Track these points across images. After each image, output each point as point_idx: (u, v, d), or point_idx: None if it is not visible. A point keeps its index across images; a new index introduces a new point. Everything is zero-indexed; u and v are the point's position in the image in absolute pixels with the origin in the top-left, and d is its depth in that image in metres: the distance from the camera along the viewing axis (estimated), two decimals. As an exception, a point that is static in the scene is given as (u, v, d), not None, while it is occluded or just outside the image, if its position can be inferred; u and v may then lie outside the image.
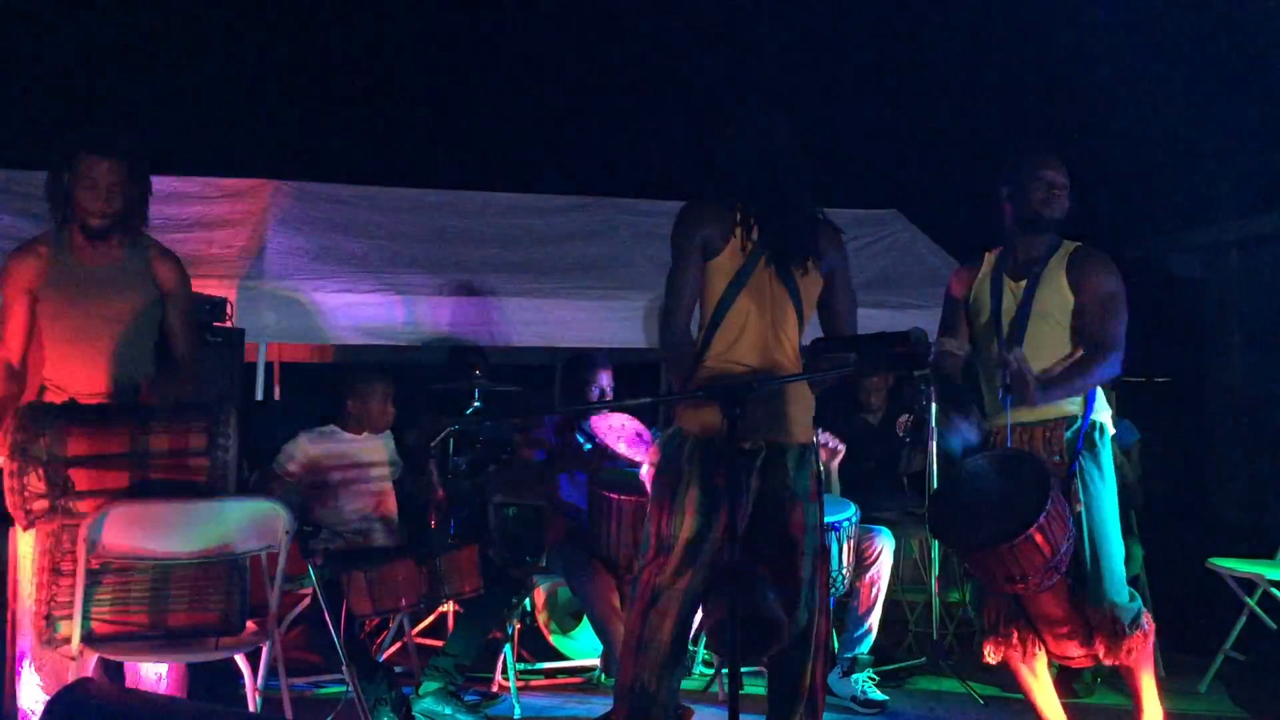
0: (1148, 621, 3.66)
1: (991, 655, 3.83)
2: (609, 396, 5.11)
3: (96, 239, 3.62)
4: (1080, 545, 3.58)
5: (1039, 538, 3.35)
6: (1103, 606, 3.59)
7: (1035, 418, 3.71)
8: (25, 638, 3.46)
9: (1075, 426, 3.68)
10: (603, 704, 4.68)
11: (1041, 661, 3.83)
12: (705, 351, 3.40)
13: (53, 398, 3.55)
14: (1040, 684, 3.88)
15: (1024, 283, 3.77)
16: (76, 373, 3.60)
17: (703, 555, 3.28)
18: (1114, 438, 3.81)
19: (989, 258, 3.94)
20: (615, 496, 4.51)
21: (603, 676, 5.05)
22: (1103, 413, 3.76)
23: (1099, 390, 3.76)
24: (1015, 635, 3.77)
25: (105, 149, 3.54)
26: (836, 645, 5.01)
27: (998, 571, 3.44)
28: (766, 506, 3.36)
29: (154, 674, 3.59)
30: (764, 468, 3.35)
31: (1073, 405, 3.69)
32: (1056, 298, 3.72)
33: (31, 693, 3.45)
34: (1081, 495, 3.62)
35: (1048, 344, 3.69)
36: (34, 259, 3.62)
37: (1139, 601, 3.68)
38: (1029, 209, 3.76)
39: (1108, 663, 3.67)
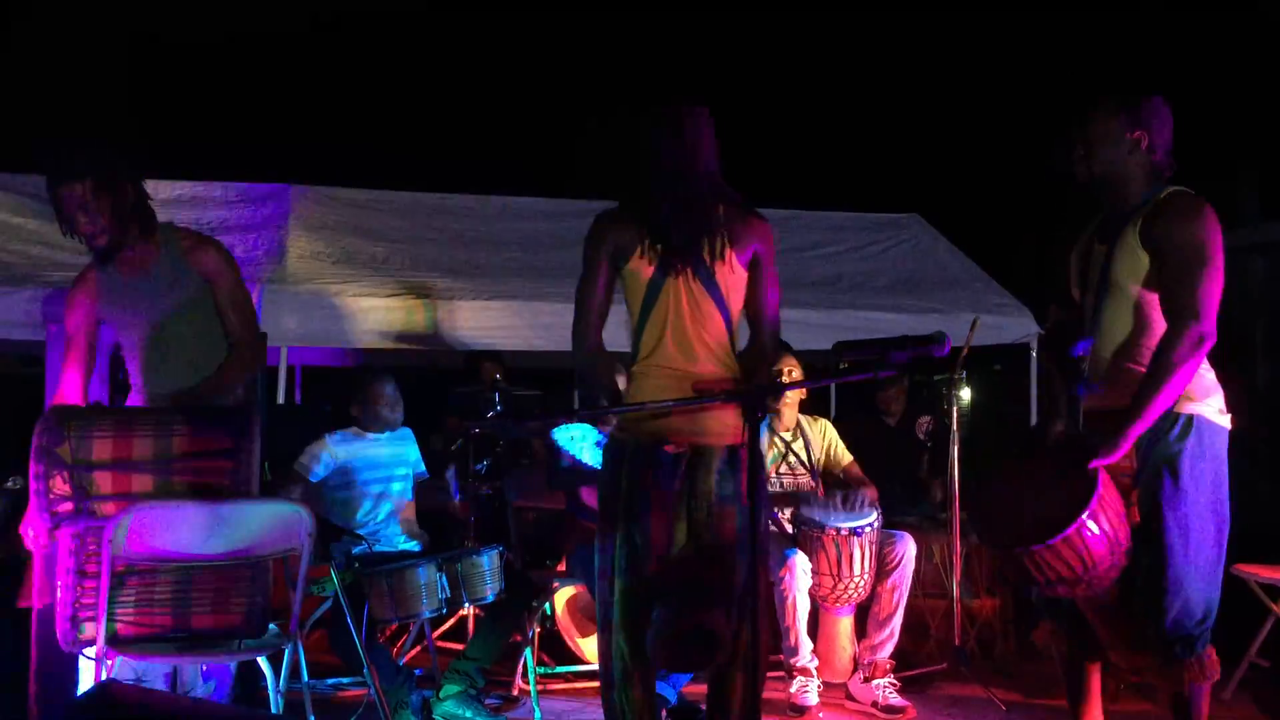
0: (1210, 657, 3.23)
1: (1043, 640, 3.66)
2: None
3: (111, 254, 3.72)
4: (1150, 558, 3.17)
5: (1080, 538, 3.02)
6: (1142, 615, 3.20)
7: (1110, 404, 3.23)
8: None
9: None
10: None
11: (1095, 667, 3.52)
12: (634, 359, 3.39)
13: (137, 399, 3.78)
14: (1089, 692, 3.54)
15: (1106, 247, 3.31)
16: (150, 375, 3.79)
17: (642, 564, 3.20)
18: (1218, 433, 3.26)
19: (1093, 222, 3.49)
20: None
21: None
22: (1190, 402, 3.20)
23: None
24: (1071, 623, 3.45)
25: (65, 175, 3.60)
26: (856, 650, 5.00)
27: (1038, 575, 3.13)
28: (695, 512, 3.26)
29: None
30: (689, 472, 3.25)
31: None
32: (1127, 263, 3.24)
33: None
34: (1154, 502, 3.17)
35: (1119, 323, 3.26)
36: (87, 285, 3.81)
37: (1208, 634, 3.23)
38: (1075, 174, 3.38)
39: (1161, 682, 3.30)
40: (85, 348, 3.80)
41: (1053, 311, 3.54)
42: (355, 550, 4.63)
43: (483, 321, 6.22)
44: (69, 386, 3.76)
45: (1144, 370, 3.19)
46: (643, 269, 3.32)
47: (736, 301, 3.37)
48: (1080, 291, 3.44)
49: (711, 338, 3.34)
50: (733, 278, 3.33)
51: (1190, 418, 3.19)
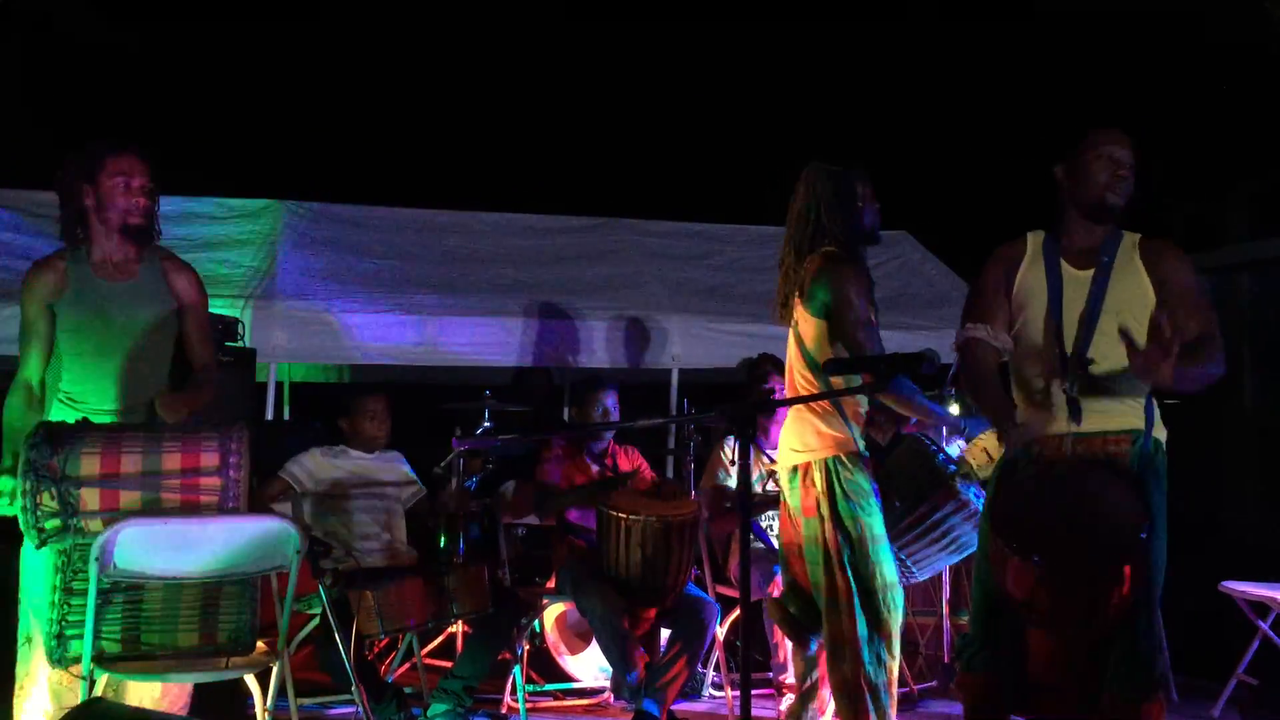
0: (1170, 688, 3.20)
1: (963, 697, 3.42)
2: (613, 417, 5.14)
3: (137, 240, 3.68)
4: (1151, 584, 3.15)
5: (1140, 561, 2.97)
6: (1144, 653, 3.13)
7: (1096, 428, 3.24)
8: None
9: (1138, 443, 3.23)
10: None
11: None
12: None
13: (68, 413, 3.58)
14: None
15: (1090, 272, 3.30)
16: (94, 388, 3.63)
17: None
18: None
19: (1032, 240, 3.44)
20: (621, 516, 4.51)
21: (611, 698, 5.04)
22: (1161, 429, 3.31)
23: (1155, 403, 3.30)
24: (1000, 685, 3.30)
25: (129, 147, 3.64)
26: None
27: (1078, 602, 3.01)
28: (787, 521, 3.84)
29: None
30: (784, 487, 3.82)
31: (1136, 417, 3.26)
32: (1136, 293, 3.26)
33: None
34: (1152, 524, 3.11)
35: (1120, 345, 3.14)
36: (52, 274, 3.66)
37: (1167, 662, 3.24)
38: (1093, 192, 3.29)
39: None
40: (48, 339, 3.65)
41: (978, 328, 3.36)
42: (343, 566, 4.61)
43: (472, 337, 6.23)
44: (34, 376, 3.63)
45: (1128, 394, 3.25)
46: None
47: (813, 344, 3.72)
48: (1044, 312, 3.35)
49: (798, 373, 3.81)
50: (805, 324, 3.74)
51: (1159, 441, 3.29)
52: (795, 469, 3.74)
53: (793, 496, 3.76)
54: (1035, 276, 3.39)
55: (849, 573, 3.57)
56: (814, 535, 3.65)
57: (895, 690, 3.64)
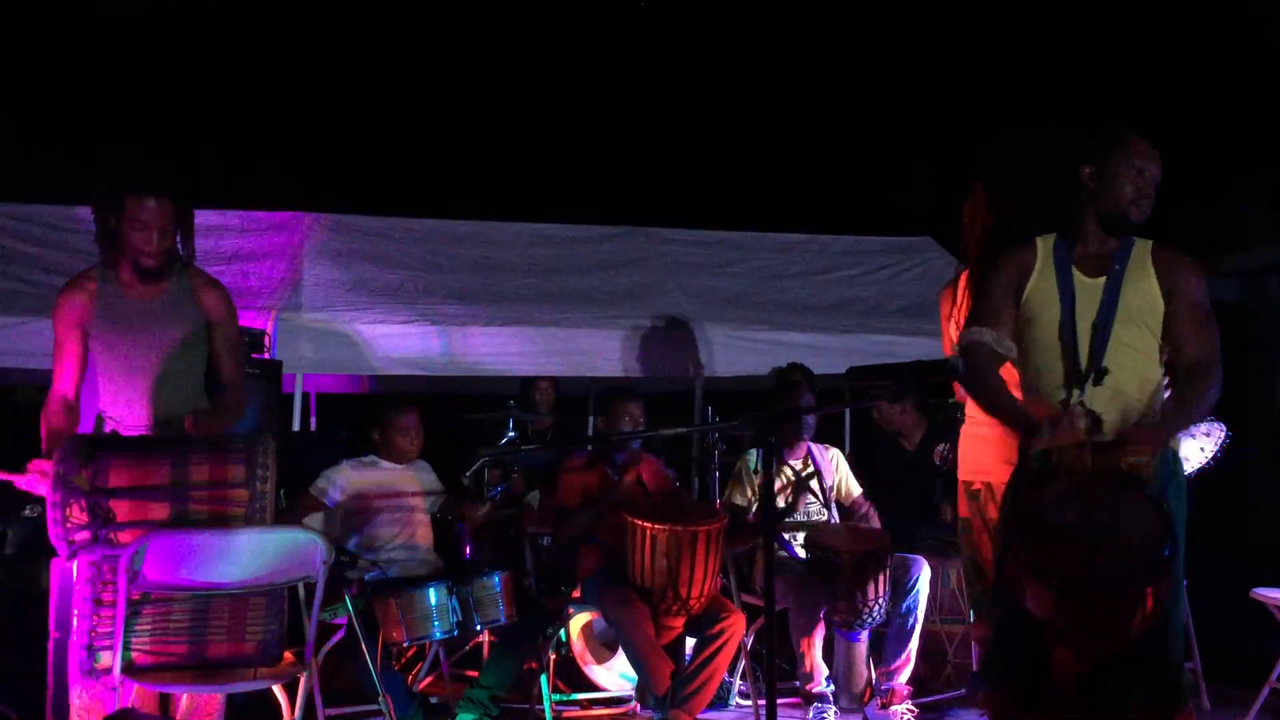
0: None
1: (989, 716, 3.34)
2: (640, 427, 5.13)
3: (150, 278, 3.68)
4: (1172, 596, 3.09)
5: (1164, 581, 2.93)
6: (1171, 666, 3.12)
7: (1116, 437, 3.12)
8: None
9: (1160, 453, 3.15)
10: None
11: None
12: None
13: (110, 429, 3.63)
14: None
15: (1102, 280, 3.25)
16: (131, 405, 3.68)
17: None
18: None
19: (1042, 245, 3.36)
20: (646, 525, 4.50)
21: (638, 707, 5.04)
22: (1176, 440, 3.29)
23: None
24: (1026, 703, 3.20)
25: (152, 189, 3.59)
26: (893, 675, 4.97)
27: (1099, 624, 2.96)
28: None
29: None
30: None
31: None
32: (1147, 302, 3.24)
33: None
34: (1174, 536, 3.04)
35: (1135, 353, 3.21)
36: (82, 295, 3.69)
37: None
38: (1117, 205, 3.25)
39: None
40: (79, 356, 3.68)
41: (981, 332, 3.29)
42: (369, 576, 4.63)
43: (496, 348, 6.24)
44: (68, 389, 3.66)
45: (1144, 404, 3.21)
46: None
47: None
48: (1056, 321, 3.29)
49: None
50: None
51: (1178, 454, 3.30)
52: (989, 484, 3.77)
53: (987, 510, 3.79)
54: (1047, 284, 3.32)
55: None
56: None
57: None
